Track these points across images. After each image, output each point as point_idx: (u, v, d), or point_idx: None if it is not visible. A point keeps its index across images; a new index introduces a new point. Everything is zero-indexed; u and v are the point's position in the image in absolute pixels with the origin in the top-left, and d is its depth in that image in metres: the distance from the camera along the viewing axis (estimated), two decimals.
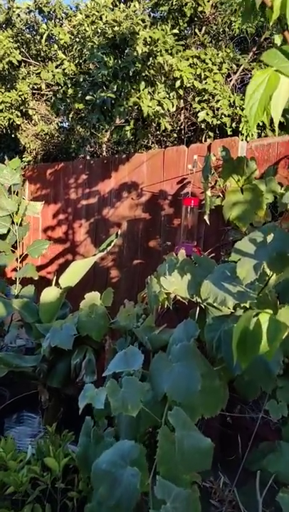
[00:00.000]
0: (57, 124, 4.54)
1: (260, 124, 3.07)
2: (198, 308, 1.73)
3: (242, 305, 1.54)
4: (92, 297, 2.18)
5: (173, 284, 1.74)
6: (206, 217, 2.34)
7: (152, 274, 1.96)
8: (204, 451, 1.17)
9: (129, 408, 1.23)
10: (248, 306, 1.53)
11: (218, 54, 3.12)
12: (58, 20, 4.21)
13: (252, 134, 3.04)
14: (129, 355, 1.44)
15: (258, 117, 1.18)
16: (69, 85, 3.37)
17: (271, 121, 1.28)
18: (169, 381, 1.32)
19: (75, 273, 2.48)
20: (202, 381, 1.30)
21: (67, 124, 4.65)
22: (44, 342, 2.16)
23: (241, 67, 3.34)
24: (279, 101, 1.22)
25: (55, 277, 2.69)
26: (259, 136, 3.14)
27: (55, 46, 4.01)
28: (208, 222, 2.38)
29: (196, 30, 3.25)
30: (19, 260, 3.90)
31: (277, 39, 1.59)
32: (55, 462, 1.76)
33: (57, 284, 2.65)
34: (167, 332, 1.89)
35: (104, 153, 4.40)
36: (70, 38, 3.83)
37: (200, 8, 3.03)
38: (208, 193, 2.29)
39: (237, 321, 1.49)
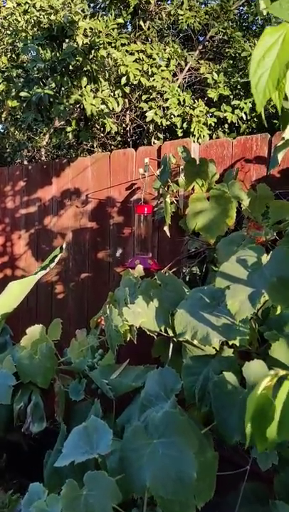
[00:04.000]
0: None
1: (212, 124, 2.73)
2: (171, 345, 1.32)
3: (230, 343, 1.16)
4: (35, 332, 1.70)
5: (139, 316, 1.32)
6: (166, 229, 1.95)
7: (109, 302, 1.53)
8: None
9: None
10: (237, 344, 1.15)
11: (165, 49, 2.75)
12: None
13: (204, 136, 2.70)
14: (91, 431, 1.00)
15: (268, 93, 0.78)
16: (0, 80, 2.83)
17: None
18: (152, 468, 0.90)
19: (12, 297, 1.98)
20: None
21: (1, 126, 4.07)
22: None
23: (188, 65, 2.99)
24: None
25: None
26: (210, 137, 2.81)
27: None
28: (168, 233, 1.99)
29: (141, 23, 2.86)
30: None
31: (262, 4, 1.19)
32: None
33: None
34: (131, 371, 1.47)
35: (43, 158, 3.88)
36: (0, 30, 3.28)
37: None
38: (168, 200, 1.90)
39: (225, 364, 1.11)
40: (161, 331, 1.36)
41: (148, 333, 1.38)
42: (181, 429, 0.94)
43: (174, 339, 1.33)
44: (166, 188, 2.12)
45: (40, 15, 2.65)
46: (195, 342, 1.19)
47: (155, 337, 1.42)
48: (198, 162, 1.86)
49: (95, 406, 1.28)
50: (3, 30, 3.30)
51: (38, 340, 1.67)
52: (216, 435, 1.26)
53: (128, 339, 1.47)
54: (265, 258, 1.09)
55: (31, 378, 1.66)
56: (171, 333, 1.33)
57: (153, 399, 1.10)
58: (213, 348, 1.19)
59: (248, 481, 1.47)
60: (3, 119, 3.20)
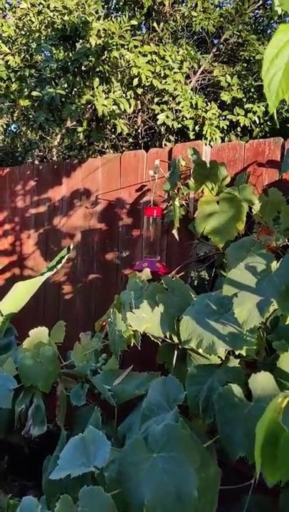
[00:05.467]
0: (2, 126, 3.94)
1: (225, 127, 2.68)
2: (175, 352, 1.27)
3: (237, 352, 1.10)
4: (39, 334, 1.66)
5: (144, 321, 1.27)
6: (174, 232, 1.90)
7: (114, 305, 1.49)
8: None
9: None
10: (244, 354, 1.09)
11: (178, 51, 2.70)
12: (0, 11, 3.63)
13: (216, 139, 2.64)
14: (88, 442, 0.95)
15: (281, 93, 0.73)
16: (13, 80, 2.81)
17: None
18: (150, 483, 0.85)
19: (18, 297, 1.95)
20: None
21: (14, 126, 4.06)
22: None
23: (201, 68, 2.94)
24: None
25: None
26: (223, 140, 2.75)
27: None
28: (177, 236, 1.94)
29: (155, 25, 2.82)
30: None
31: (277, 1, 1.14)
32: None
33: None
34: (134, 377, 1.42)
35: (54, 158, 3.86)
36: (14, 31, 3.26)
37: None
38: (177, 202, 1.85)
39: (231, 375, 1.05)
40: (166, 337, 1.31)
41: (152, 339, 1.33)
42: (182, 443, 0.89)
43: (179, 346, 1.28)
44: (175, 191, 2.07)
45: (53, 15, 2.63)
46: (200, 351, 1.14)
47: (160, 343, 1.37)
48: (208, 165, 1.81)
49: (95, 414, 1.24)
50: (17, 30, 3.29)
51: (40, 343, 1.62)
52: (220, 446, 1.21)
53: (132, 344, 1.42)
54: (275, 265, 1.04)
55: (32, 382, 1.61)
56: (176, 340, 1.28)
57: (155, 409, 1.06)
58: (219, 357, 1.14)
59: (252, 493, 1.41)
60: (15, 118, 3.18)
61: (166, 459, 0.89)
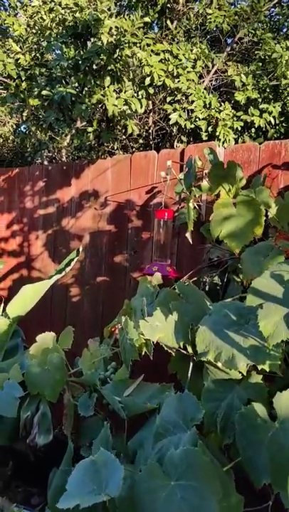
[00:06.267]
0: (11, 126, 3.87)
1: (239, 128, 2.58)
2: (190, 364, 1.18)
3: (259, 367, 1.01)
4: (46, 339, 1.57)
5: (157, 330, 1.18)
6: (188, 235, 1.81)
7: (124, 310, 1.40)
8: None
9: None
10: (267, 370, 1.00)
11: (192, 50, 2.61)
12: (12, 9, 3.56)
13: (229, 140, 2.55)
14: (99, 466, 0.86)
15: None
16: (23, 78, 2.74)
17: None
18: None
19: (25, 300, 1.87)
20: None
21: (23, 127, 3.99)
22: None
23: (215, 68, 2.85)
24: None
25: (2, 304, 2.06)
26: (236, 141, 2.66)
27: (10, 40, 3.37)
28: (190, 240, 1.85)
29: (168, 22, 2.73)
30: None
31: None
32: None
33: (4, 311, 2.02)
34: (145, 388, 1.33)
35: (63, 159, 3.78)
36: (25, 29, 3.20)
37: None
38: (191, 204, 1.76)
39: (252, 392, 0.96)
40: (180, 347, 1.22)
41: (166, 348, 1.24)
42: (203, 471, 0.80)
43: (194, 357, 1.18)
44: (188, 193, 1.98)
45: (65, 13, 2.56)
46: (219, 364, 1.05)
47: (173, 353, 1.28)
48: (225, 165, 1.72)
49: (105, 431, 1.15)
50: (28, 29, 3.22)
51: (48, 349, 1.54)
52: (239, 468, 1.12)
53: (143, 353, 1.34)
54: None
55: (39, 390, 1.53)
56: (190, 351, 1.19)
57: (170, 427, 0.97)
58: (239, 372, 1.05)
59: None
60: (25, 118, 3.11)
61: (186, 488, 0.80)
